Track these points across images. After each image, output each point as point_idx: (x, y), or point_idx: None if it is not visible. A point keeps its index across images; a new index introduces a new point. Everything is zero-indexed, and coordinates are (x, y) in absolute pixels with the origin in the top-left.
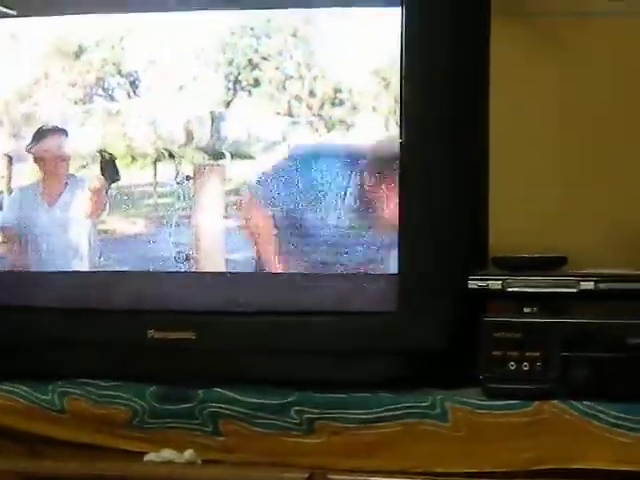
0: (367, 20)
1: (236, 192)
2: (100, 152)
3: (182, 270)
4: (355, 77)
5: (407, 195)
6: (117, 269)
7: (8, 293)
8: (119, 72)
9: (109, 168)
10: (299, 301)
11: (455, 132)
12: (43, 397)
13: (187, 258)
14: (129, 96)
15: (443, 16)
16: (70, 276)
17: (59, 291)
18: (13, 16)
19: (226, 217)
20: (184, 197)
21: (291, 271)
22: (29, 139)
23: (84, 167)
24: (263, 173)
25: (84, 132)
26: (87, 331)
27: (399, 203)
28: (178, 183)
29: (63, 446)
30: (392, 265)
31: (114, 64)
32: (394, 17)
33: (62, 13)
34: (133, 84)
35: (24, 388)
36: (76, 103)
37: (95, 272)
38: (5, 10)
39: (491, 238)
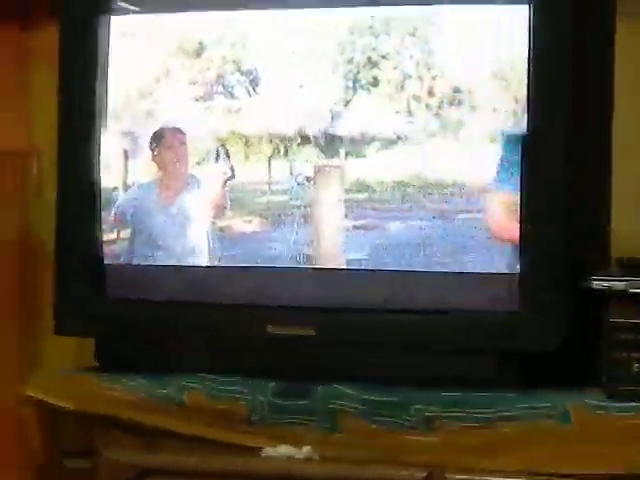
0: (488, 20)
1: (354, 191)
2: (218, 149)
3: (302, 266)
4: (475, 77)
5: (528, 195)
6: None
7: (129, 286)
8: (239, 70)
9: (226, 165)
10: (418, 299)
11: (577, 132)
12: (162, 390)
13: (307, 258)
14: (249, 94)
15: (568, 16)
16: (191, 270)
17: (180, 285)
18: (135, 12)
19: (346, 216)
20: (302, 195)
21: (411, 269)
22: (147, 136)
23: (200, 164)
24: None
25: (204, 129)
26: (207, 325)
27: (519, 203)
28: (299, 184)
29: (180, 440)
30: (513, 264)
31: (234, 62)
32: (518, 16)
33: (183, 10)
34: (253, 82)
35: (143, 381)
36: (196, 100)
37: (215, 267)
38: (126, 6)
39: (613, 238)
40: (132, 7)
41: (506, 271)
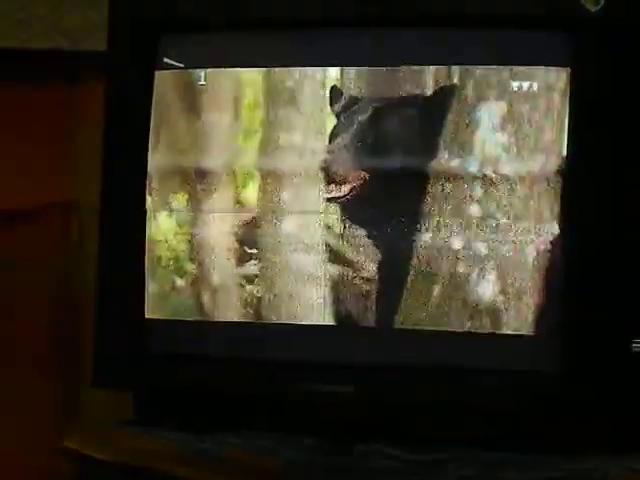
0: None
1: None
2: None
3: (340, 323)
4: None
5: (570, 254)
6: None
7: (168, 341)
8: None
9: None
10: (459, 358)
11: (619, 192)
12: (200, 445)
13: None
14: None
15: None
16: (229, 326)
17: (219, 340)
18: (180, 68)
19: None
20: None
21: (449, 329)
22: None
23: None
24: None
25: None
26: (244, 381)
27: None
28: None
29: None
30: (552, 326)
31: None
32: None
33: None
34: None
35: (180, 435)
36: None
37: (252, 322)
38: (173, 63)
39: None
40: (177, 63)
41: (545, 333)
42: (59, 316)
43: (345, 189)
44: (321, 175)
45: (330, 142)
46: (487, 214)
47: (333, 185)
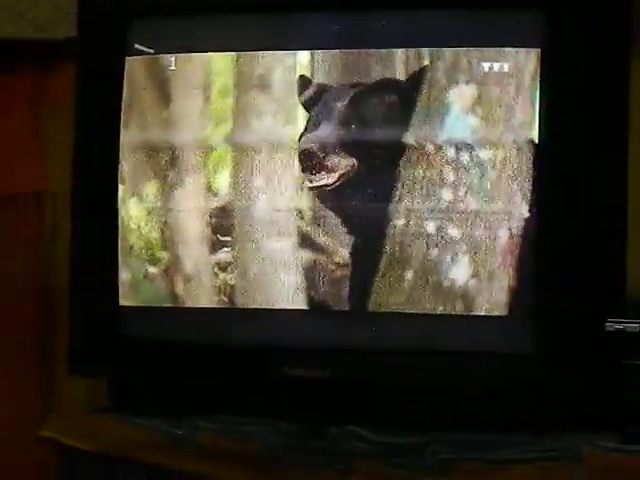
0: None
1: None
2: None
3: (314, 308)
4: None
5: (541, 236)
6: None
7: (142, 327)
8: None
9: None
10: (434, 341)
11: (590, 173)
12: (176, 431)
13: None
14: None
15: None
16: (205, 311)
17: (193, 326)
18: (151, 54)
19: None
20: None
21: (424, 311)
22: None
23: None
24: None
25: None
26: (220, 366)
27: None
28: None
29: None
30: (526, 307)
31: None
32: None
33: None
34: None
35: (156, 422)
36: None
37: (229, 308)
38: (143, 49)
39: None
40: (148, 49)
41: (521, 314)
42: (34, 305)
43: (333, 177)
44: (297, 163)
45: (302, 132)
46: (459, 197)
47: (316, 175)
